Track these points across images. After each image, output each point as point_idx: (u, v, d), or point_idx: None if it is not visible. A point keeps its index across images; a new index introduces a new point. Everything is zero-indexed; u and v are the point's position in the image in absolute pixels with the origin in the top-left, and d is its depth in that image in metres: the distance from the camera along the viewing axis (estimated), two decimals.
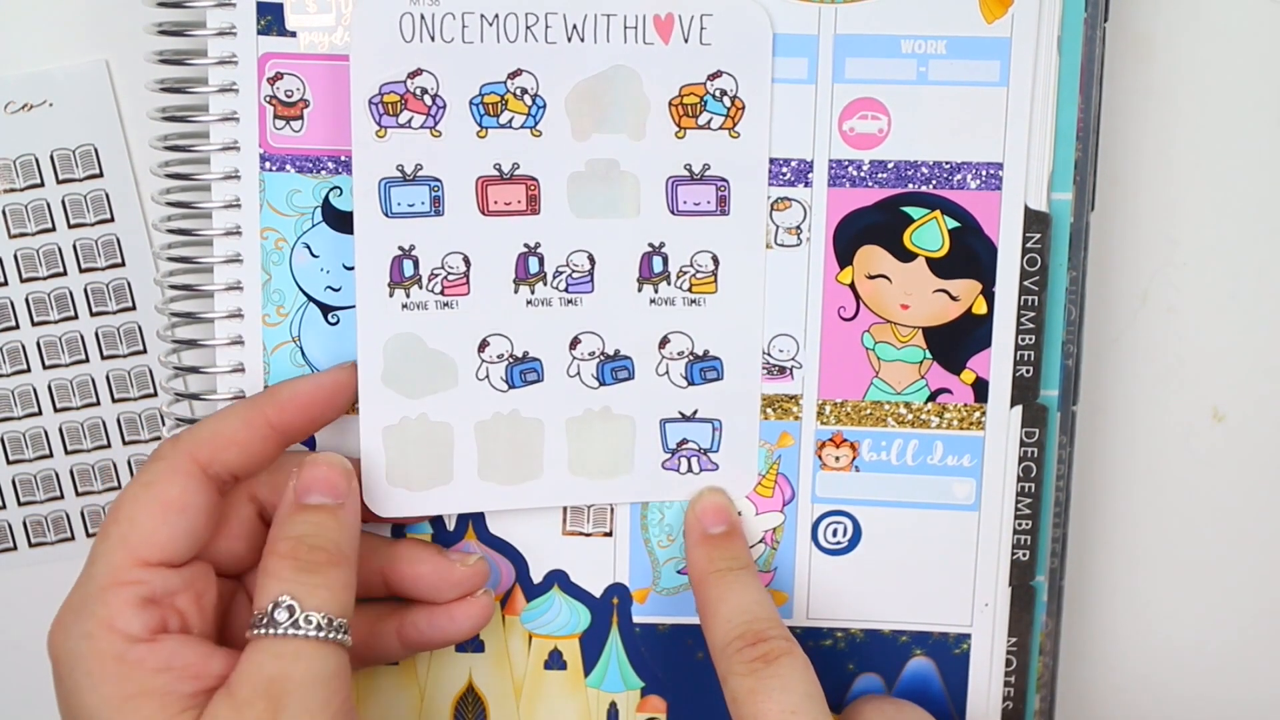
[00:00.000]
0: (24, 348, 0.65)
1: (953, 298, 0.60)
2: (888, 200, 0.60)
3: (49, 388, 0.65)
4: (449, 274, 0.58)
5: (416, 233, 0.58)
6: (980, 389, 0.61)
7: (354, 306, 0.60)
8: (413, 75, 0.57)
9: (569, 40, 0.55)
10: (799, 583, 0.63)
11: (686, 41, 0.56)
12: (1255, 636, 0.67)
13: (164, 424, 0.63)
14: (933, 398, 0.61)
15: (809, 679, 0.55)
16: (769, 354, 0.61)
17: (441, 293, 0.58)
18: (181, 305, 0.61)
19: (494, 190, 0.57)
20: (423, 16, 0.55)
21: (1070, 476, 0.62)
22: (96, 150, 0.63)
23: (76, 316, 0.65)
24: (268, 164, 0.60)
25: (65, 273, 0.64)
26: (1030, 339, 0.60)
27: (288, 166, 0.60)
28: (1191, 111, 0.63)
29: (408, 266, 0.58)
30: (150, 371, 0.65)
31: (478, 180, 0.58)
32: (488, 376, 0.59)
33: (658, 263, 0.58)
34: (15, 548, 0.67)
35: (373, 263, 0.58)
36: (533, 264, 0.58)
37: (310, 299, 0.60)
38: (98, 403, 0.66)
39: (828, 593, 0.63)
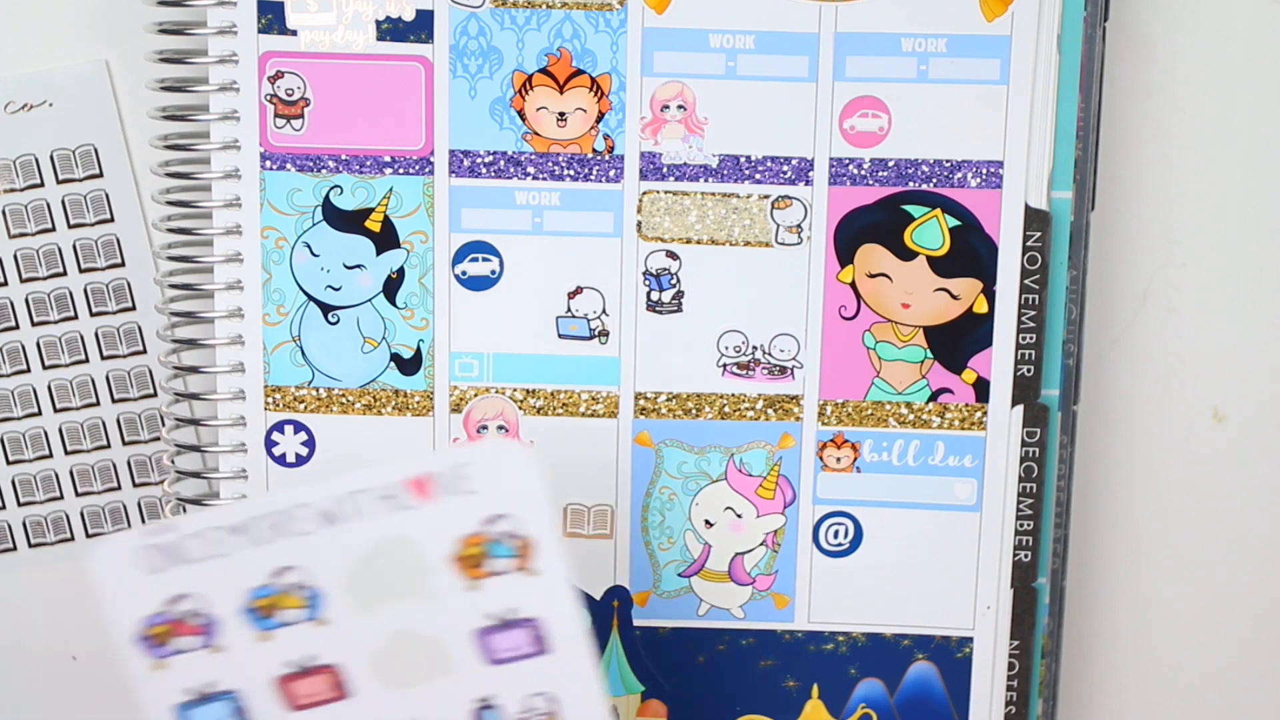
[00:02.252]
0: (24, 348, 0.65)
1: (953, 297, 0.61)
2: (888, 199, 0.60)
3: (49, 388, 0.65)
4: None
5: None
6: (981, 389, 0.61)
7: (354, 306, 0.60)
8: (173, 601, 0.52)
9: (326, 525, 0.52)
10: (800, 585, 0.63)
11: (454, 494, 0.52)
12: (1257, 637, 0.67)
13: (164, 424, 0.63)
14: (934, 397, 0.61)
15: None
16: (770, 354, 0.61)
17: None
18: (181, 305, 0.61)
19: (296, 686, 0.53)
20: (157, 546, 0.52)
21: (1071, 477, 0.62)
22: (96, 150, 0.63)
23: (76, 316, 0.65)
24: (268, 163, 0.60)
25: (65, 273, 0.64)
26: (1031, 338, 0.60)
27: (288, 165, 0.60)
28: (1191, 111, 0.63)
29: None
30: (150, 371, 0.65)
31: (276, 681, 0.53)
32: None
33: (490, 716, 0.54)
34: (15, 548, 0.66)
35: None
36: None
37: (310, 298, 0.60)
38: (98, 403, 0.65)
39: (829, 595, 0.63)
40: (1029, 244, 0.60)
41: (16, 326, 0.65)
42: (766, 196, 0.60)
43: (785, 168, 0.60)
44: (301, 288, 0.60)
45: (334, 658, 0.53)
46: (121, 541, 0.52)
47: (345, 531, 0.52)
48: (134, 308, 0.65)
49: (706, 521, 0.63)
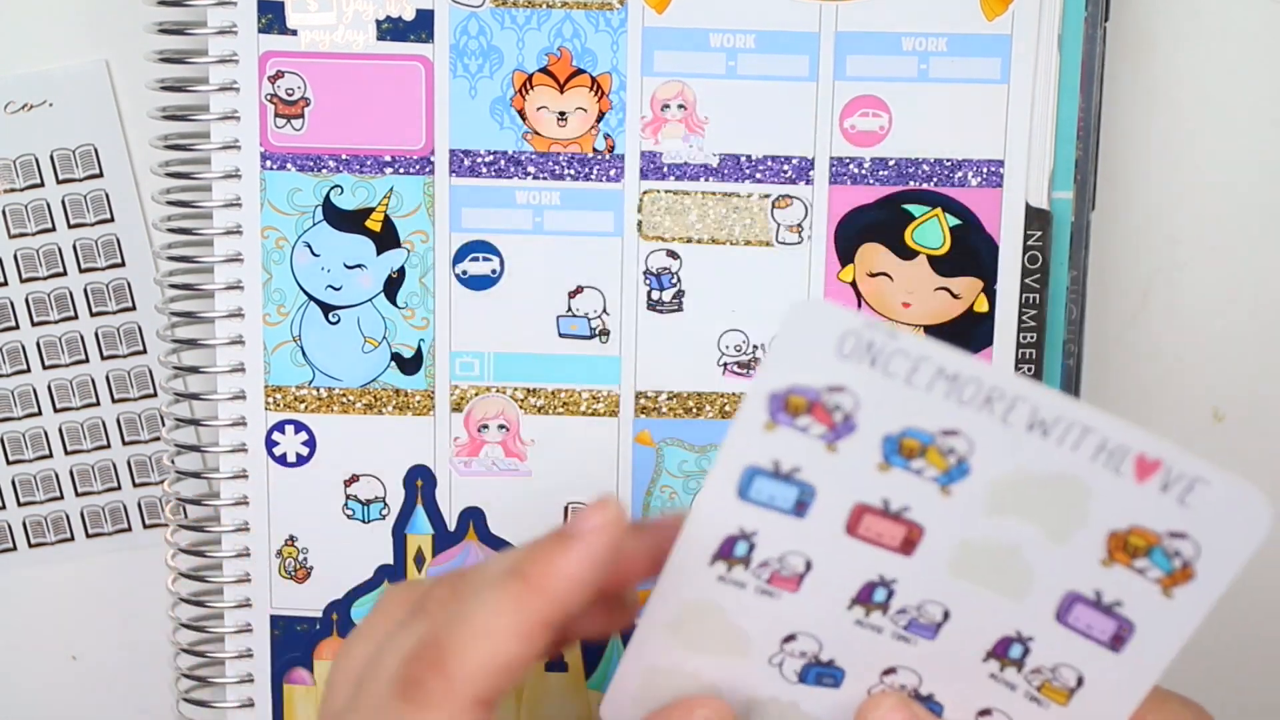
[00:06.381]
0: (24, 348, 0.65)
1: (954, 295, 0.60)
2: (889, 198, 0.60)
3: (49, 388, 0.65)
4: (783, 570, 0.50)
5: (765, 523, 0.49)
6: None
7: (354, 306, 0.60)
8: (833, 390, 0.47)
9: (1029, 430, 0.47)
10: None
11: (1165, 490, 0.47)
12: (1254, 638, 0.67)
13: (164, 424, 0.63)
14: None
15: None
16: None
17: (768, 581, 0.50)
18: (182, 305, 0.61)
19: (870, 519, 0.49)
20: (870, 343, 0.46)
21: None
22: (96, 150, 0.63)
23: (76, 316, 0.65)
24: (268, 163, 0.60)
25: (65, 273, 0.64)
26: (1032, 337, 0.60)
27: (288, 165, 0.60)
28: (1191, 111, 0.63)
29: (740, 548, 0.50)
30: (150, 371, 0.65)
31: (856, 504, 0.49)
32: (781, 665, 0.52)
33: (1016, 649, 0.50)
34: (15, 548, 0.66)
35: (704, 531, 0.49)
36: (879, 594, 0.50)
37: (311, 298, 0.60)
38: (98, 403, 0.65)
39: None
40: (1029, 243, 0.60)
41: (16, 326, 0.64)
42: (767, 196, 0.60)
43: (786, 167, 0.60)
44: (302, 287, 0.60)
45: (928, 521, 0.48)
46: (842, 314, 0.46)
47: (1046, 448, 0.47)
48: (134, 308, 0.65)
49: None
